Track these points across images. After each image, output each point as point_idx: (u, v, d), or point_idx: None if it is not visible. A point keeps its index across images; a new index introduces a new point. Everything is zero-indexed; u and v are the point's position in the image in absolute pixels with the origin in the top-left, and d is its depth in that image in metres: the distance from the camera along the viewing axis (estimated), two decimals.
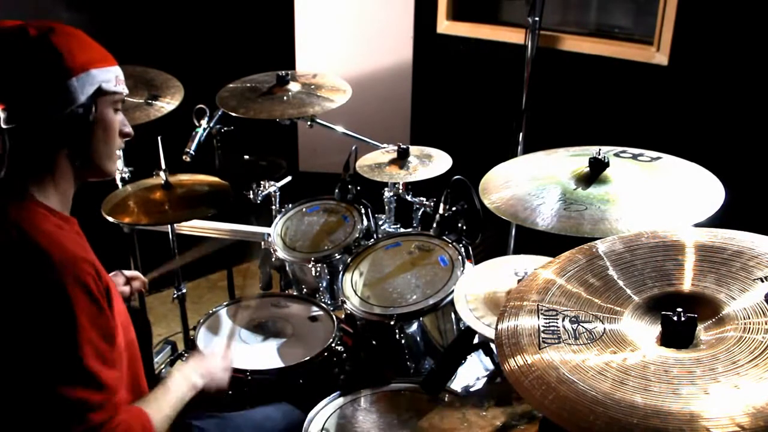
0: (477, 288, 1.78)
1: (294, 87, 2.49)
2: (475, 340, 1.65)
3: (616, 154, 1.63)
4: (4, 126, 1.22)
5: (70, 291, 1.12)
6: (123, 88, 1.32)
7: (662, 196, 1.47)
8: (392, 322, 1.89)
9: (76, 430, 1.13)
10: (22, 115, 1.21)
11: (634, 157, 1.63)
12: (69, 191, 1.30)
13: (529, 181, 1.60)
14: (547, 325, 1.02)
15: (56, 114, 1.21)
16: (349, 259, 2.13)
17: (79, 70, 1.23)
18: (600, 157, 1.53)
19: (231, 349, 1.77)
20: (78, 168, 1.29)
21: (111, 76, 1.28)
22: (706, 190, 1.46)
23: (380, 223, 2.46)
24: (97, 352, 1.15)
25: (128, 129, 1.36)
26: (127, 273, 1.77)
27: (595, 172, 1.54)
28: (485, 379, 1.82)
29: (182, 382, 1.44)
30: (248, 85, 2.55)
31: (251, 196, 2.49)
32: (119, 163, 2.53)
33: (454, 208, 2.12)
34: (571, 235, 1.37)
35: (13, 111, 1.21)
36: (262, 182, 2.51)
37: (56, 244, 1.16)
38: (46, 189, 1.25)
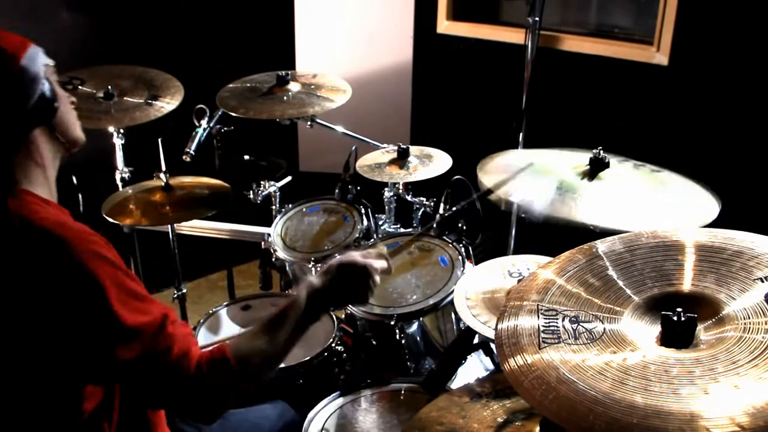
0: (477, 288, 1.78)
1: (294, 87, 2.49)
2: (475, 340, 1.65)
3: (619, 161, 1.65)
4: None
5: (91, 266, 1.12)
6: (49, 59, 1.29)
7: (656, 198, 1.48)
8: (392, 322, 1.89)
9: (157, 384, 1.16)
10: None
11: (635, 166, 1.64)
12: (53, 175, 1.30)
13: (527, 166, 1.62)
14: (547, 325, 1.03)
15: (30, 98, 1.20)
16: None
17: (21, 50, 1.21)
18: (601, 156, 1.54)
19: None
20: (60, 142, 1.28)
21: (37, 50, 1.26)
22: (701, 203, 1.47)
23: (380, 223, 2.46)
24: (131, 310, 1.15)
25: (72, 98, 1.34)
26: None
27: (595, 170, 1.55)
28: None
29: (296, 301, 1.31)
30: (248, 85, 2.55)
31: (251, 196, 2.49)
32: (119, 164, 2.53)
33: (454, 208, 2.12)
34: (564, 224, 1.38)
35: None
36: (262, 182, 2.51)
37: (63, 226, 1.16)
38: (35, 179, 1.25)
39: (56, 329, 1.14)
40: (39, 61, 1.24)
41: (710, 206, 1.45)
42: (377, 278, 1.37)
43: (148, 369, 1.15)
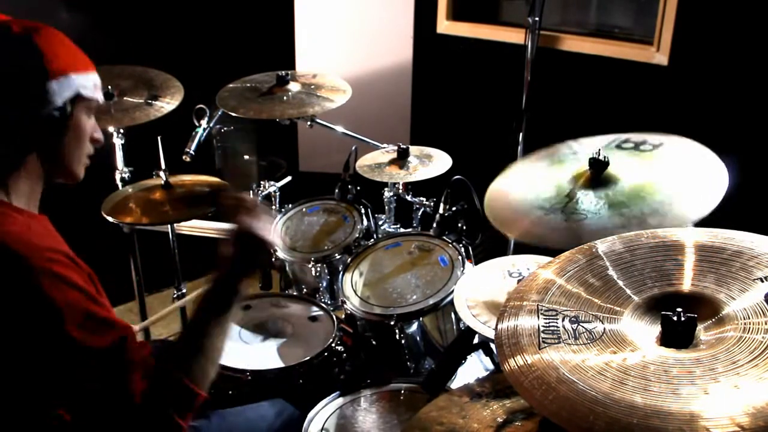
0: (477, 288, 1.78)
1: (294, 87, 2.49)
2: (475, 340, 1.65)
3: (618, 146, 1.63)
4: None
5: (47, 286, 1.10)
6: (100, 96, 1.31)
7: (670, 188, 1.47)
8: (392, 322, 1.89)
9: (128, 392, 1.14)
10: None
11: (636, 146, 1.63)
12: (38, 189, 1.28)
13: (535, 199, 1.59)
14: (547, 325, 1.02)
15: (31, 115, 1.19)
16: (349, 259, 2.13)
17: (59, 73, 1.21)
18: (600, 157, 1.53)
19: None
20: (47, 170, 1.26)
21: (90, 83, 1.27)
22: (710, 173, 1.46)
23: (380, 223, 2.46)
24: (88, 333, 1.13)
25: (99, 135, 1.34)
26: None
27: (597, 172, 1.54)
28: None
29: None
30: (248, 85, 2.55)
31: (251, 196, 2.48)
32: (119, 164, 2.53)
33: (454, 208, 2.12)
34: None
35: None
36: (262, 182, 2.51)
37: (23, 242, 1.13)
38: (13, 187, 1.23)
39: (11, 347, 1.12)
40: (71, 89, 1.22)
41: (717, 167, 1.46)
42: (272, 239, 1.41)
43: (102, 394, 1.13)
